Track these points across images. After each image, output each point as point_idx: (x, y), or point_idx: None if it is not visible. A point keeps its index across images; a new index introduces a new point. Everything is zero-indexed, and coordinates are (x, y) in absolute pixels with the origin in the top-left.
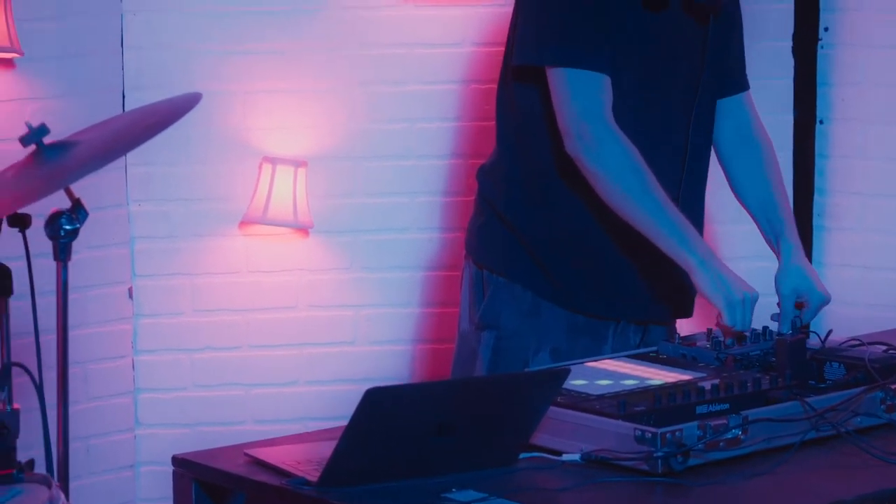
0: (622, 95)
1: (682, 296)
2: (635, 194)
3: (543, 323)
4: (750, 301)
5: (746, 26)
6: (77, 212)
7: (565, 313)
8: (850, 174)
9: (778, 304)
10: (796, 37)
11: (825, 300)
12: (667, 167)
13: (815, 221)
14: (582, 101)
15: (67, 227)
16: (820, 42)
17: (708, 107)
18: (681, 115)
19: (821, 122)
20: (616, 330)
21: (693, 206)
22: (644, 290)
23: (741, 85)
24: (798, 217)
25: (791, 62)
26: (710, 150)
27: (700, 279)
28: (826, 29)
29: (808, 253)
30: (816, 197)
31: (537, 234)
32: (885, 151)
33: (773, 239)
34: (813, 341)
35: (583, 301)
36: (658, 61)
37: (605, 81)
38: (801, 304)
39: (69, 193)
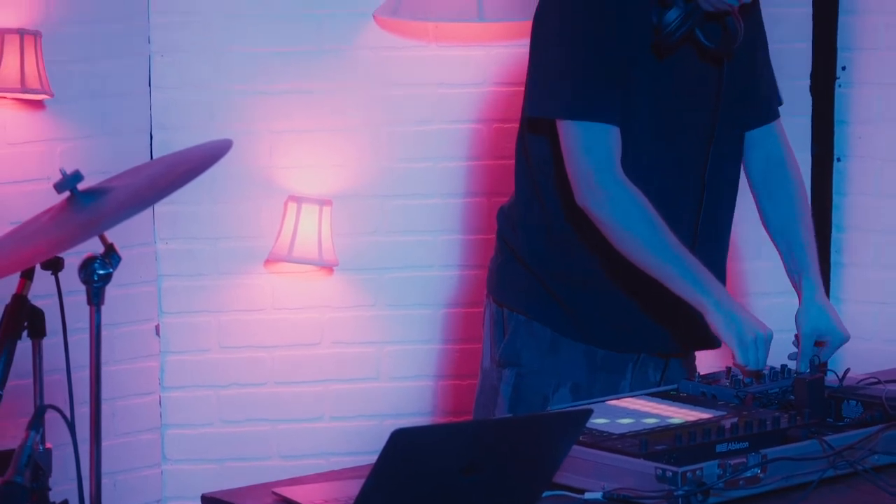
0: (634, 143)
1: (702, 327)
2: (646, 241)
3: (563, 359)
4: (763, 340)
5: None
6: (110, 256)
7: (584, 349)
8: (867, 211)
9: (794, 342)
10: (814, 75)
11: (844, 340)
12: (683, 213)
13: (833, 258)
14: (592, 154)
15: (101, 272)
16: (837, 80)
17: (727, 150)
18: (696, 161)
19: (838, 159)
20: (636, 365)
21: (712, 251)
22: (663, 323)
23: (770, 115)
24: (819, 256)
25: (809, 100)
26: (731, 194)
27: (714, 319)
28: (843, 68)
29: (826, 289)
30: (834, 233)
31: (554, 272)
32: None
33: (796, 275)
34: (831, 379)
35: (601, 336)
36: (670, 107)
37: (615, 133)
38: (821, 342)
39: (102, 238)
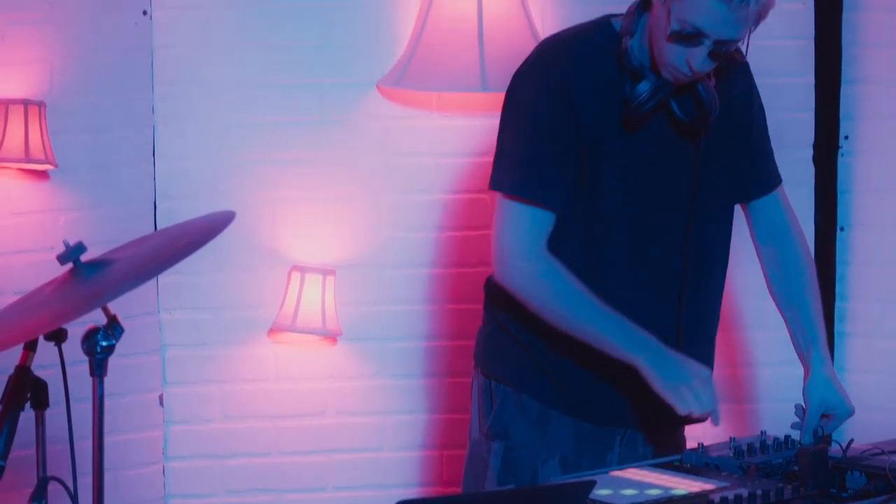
0: (607, 216)
1: None
2: (567, 310)
3: (551, 432)
4: (698, 383)
5: (771, 135)
6: (113, 328)
7: (573, 422)
8: (870, 280)
9: (797, 412)
10: (817, 145)
11: (850, 414)
12: (662, 288)
13: (837, 327)
14: (513, 232)
15: (104, 344)
16: (840, 150)
17: (712, 226)
18: (676, 237)
19: (841, 228)
20: (624, 438)
21: (697, 328)
22: (650, 399)
23: (770, 184)
24: None
25: (811, 170)
26: (718, 270)
27: (647, 374)
28: (846, 137)
29: (830, 359)
30: (838, 303)
31: (540, 345)
32: None
33: (804, 346)
34: (834, 450)
35: (589, 410)
36: (645, 181)
37: (544, 216)
38: (827, 415)
39: (105, 310)
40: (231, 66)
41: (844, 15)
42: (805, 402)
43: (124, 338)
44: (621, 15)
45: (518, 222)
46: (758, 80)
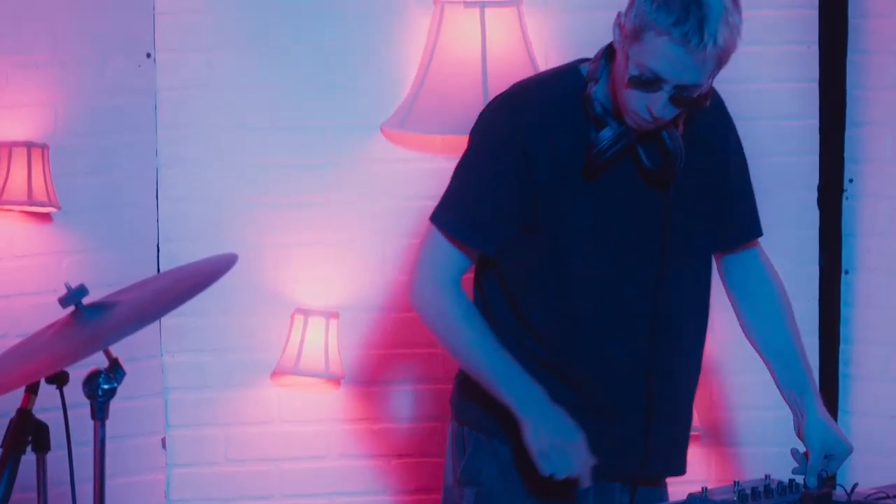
0: (571, 267)
1: (666, 455)
2: (464, 347)
3: (523, 479)
4: (564, 447)
5: (773, 178)
6: (115, 371)
7: None
8: (875, 324)
9: (793, 456)
10: (821, 188)
11: (850, 451)
12: (633, 337)
13: (841, 370)
14: (432, 262)
15: (105, 387)
16: (845, 193)
17: (683, 273)
18: (647, 286)
19: (846, 272)
20: (598, 487)
21: (672, 378)
22: (626, 450)
23: (748, 236)
24: (824, 366)
25: (816, 213)
26: (693, 316)
27: (522, 427)
28: (851, 180)
29: (834, 402)
30: (842, 346)
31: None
32: None
33: (796, 392)
34: (839, 494)
35: None
36: (608, 231)
37: (462, 257)
38: (826, 455)
39: (107, 353)
40: (235, 108)
41: (849, 58)
42: (805, 446)
43: (127, 380)
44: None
45: (440, 254)
46: (763, 123)
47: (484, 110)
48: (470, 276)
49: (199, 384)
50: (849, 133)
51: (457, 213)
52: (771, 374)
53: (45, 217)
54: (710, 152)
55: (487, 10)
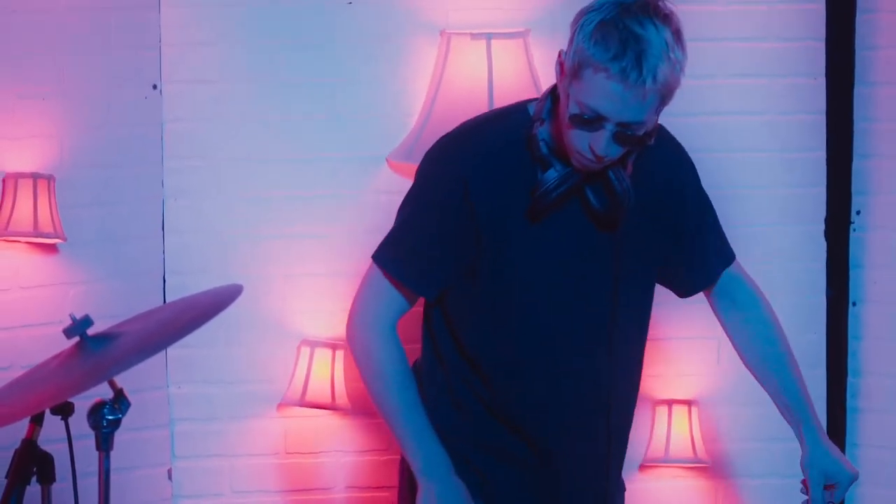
0: (518, 309)
1: (619, 482)
2: (385, 396)
3: None
4: None
5: (780, 210)
6: (119, 402)
7: None
8: (883, 356)
9: (802, 489)
10: (829, 220)
11: (854, 478)
12: (585, 378)
13: (849, 402)
14: (371, 301)
15: (110, 418)
16: (852, 224)
17: (631, 313)
18: (598, 329)
19: (854, 303)
20: None
21: (621, 418)
22: (582, 500)
23: (717, 271)
24: (831, 398)
25: (823, 245)
26: (637, 354)
27: (421, 493)
28: (858, 212)
29: (843, 434)
30: (850, 378)
31: (461, 434)
32: None
33: (793, 422)
34: None
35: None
36: (556, 272)
37: (401, 299)
38: (830, 486)
39: (112, 384)
40: (241, 140)
41: (856, 90)
42: (805, 476)
43: (133, 411)
44: None
45: (379, 295)
46: (771, 155)
47: (429, 150)
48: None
49: (205, 415)
50: (856, 165)
51: (398, 255)
52: (770, 396)
53: (51, 248)
54: (663, 193)
55: (494, 42)
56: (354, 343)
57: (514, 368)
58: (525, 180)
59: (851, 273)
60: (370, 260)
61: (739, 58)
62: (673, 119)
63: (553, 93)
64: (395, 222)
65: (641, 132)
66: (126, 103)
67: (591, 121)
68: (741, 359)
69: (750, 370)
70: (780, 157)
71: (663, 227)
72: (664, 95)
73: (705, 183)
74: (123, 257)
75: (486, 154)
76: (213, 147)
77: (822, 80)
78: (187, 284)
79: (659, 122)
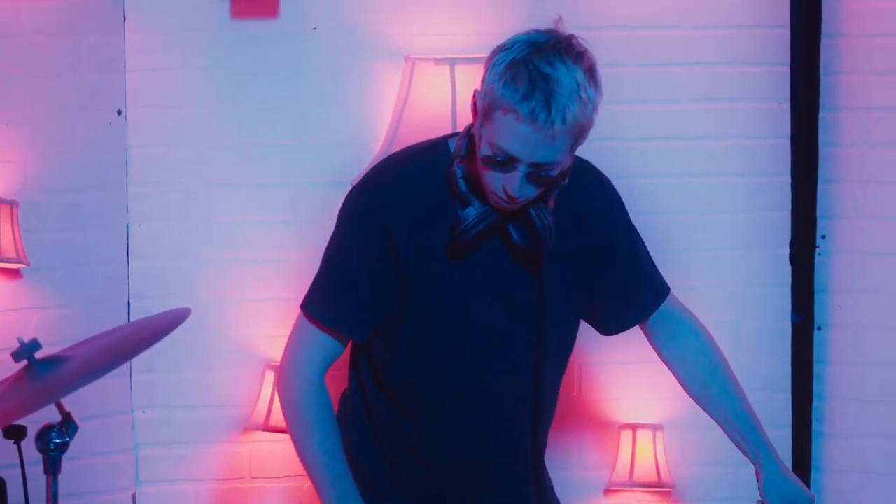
0: (439, 347)
1: None
2: (308, 447)
3: None
4: None
5: (745, 235)
6: (67, 425)
7: None
8: (848, 380)
9: None
10: (794, 244)
11: (812, 501)
12: (510, 418)
13: (815, 427)
14: (305, 356)
15: (57, 441)
16: (817, 249)
17: (557, 350)
18: (522, 367)
19: (819, 328)
20: None
21: (540, 455)
22: None
23: (652, 306)
24: (797, 423)
25: (788, 269)
26: (554, 389)
27: None
28: (823, 237)
29: (807, 459)
30: (815, 402)
31: (382, 476)
32: (883, 358)
33: (750, 450)
34: None
35: None
36: (477, 309)
37: (331, 343)
38: None
39: (60, 407)
40: (206, 164)
41: (820, 115)
42: (764, 499)
43: (97, 436)
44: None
45: (308, 344)
46: (736, 179)
47: (350, 191)
48: None
49: (170, 440)
50: (821, 189)
51: (324, 301)
52: (719, 425)
53: (15, 273)
54: (591, 229)
55: (458, 66)
56: (282, 392)
57: (438, 407)
58: (447, 217)
59: (816, 297)
60: (299, 310)
61: (705, 82)
62: (639, 144)
63: (471, 130)
64: (320, 267)
65: (555, 172)
66: (91, 128)
67: (503, 162)
68: (686, 390)
69: (696, 400)
70: (745, 182)
71: (593, 263)
72: (576, 135)
73: (670, 207)
74: (88, 282)
75: (406, 193)
76: (177, 172)
77: (787, 105)
78: (152, 309)
79: (588, 160)
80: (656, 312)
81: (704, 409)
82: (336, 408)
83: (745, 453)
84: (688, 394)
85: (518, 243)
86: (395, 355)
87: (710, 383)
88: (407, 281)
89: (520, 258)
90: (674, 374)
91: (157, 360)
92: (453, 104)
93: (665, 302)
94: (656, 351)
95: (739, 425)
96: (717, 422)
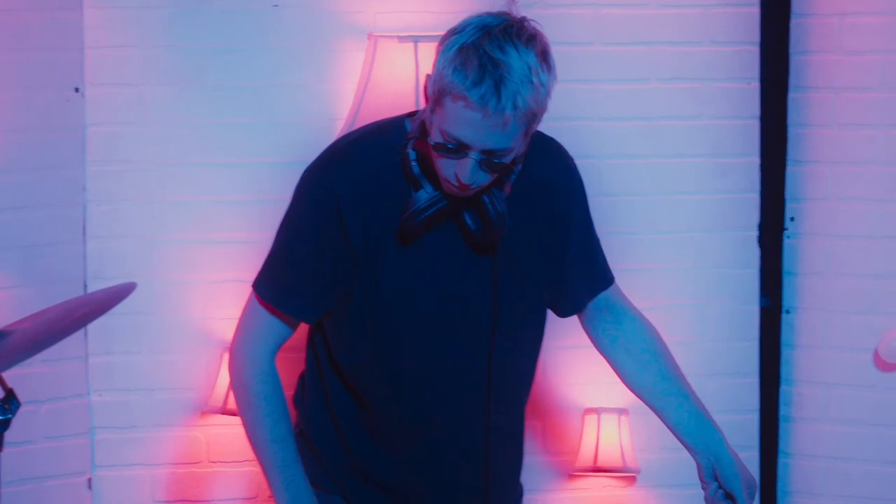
0: (392, 332)
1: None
2: (258, 428)
3: None
4: None
5: (713, 217)
6: (10, 402)
7: None
8: (816, 364)
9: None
10: (762, 226)
11: (757, 487)
12: (466, 402)
13: (782, 411)
14: (255, 338)
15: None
16: (786, 231)
17: (517, 335)
18: (477, 351)
19: (787, 311)
20: None
21: (507, 438)
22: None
23: (598, 289)
24: (764, 407)
25: (757, 252)
26: (527, 371)
27: None
28: (792, 219)
29: (775, 444)
30: (783, 386)
31: (337, 459)
32: (850, 341)
33: (698, 436)
34: None
35: None
36: (430, 295)
37: (280, 325)
38: (731, 494)
39: (2, 383)
40: (165, 143)
41: (790, 95)
42: (727, 489)
43: (52, 420)
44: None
45: (260, 323)
46: (704, 160)
47: (304, 171)
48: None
49: (126, 424)
50: (790, 171)
51: (274, 281)
52: (657, 414)
53: None
54: (549, 215)
55: (421, 44)
56: (232, 374)
57: (390, 389)
58: (400, 200)
59: (784, 280)
60: (251, 289)
61: (673, 62)
62: (605, 124)
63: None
64: (272, 247)
65: (508, 159)
66: (47, 106)
67: (454, 150)
68: (623, 379)
69: (636, 390)
70: (713, 163)
71: (548, 248)
72: (529, 121)
73: (637, 188)
74: (43, 263)
75: (359, 173)
76: (136, 151)
77: (757, 85)
78: None
79: (555, 138)
80: (602, 300)
81: (643, 396)
82: (295, 388)
83: (689, 442)
84: (625, 382)
85: (471, 229)
86: (346, 337)
87: (652, 366)
88: (356, 263)
89: (472, 244)
90: (610, 361)
91: (115, 343)
92: (416, 82)
93: (611, 290)
94: (594, 340)
95: (687, 413)
96: (661, 408)
